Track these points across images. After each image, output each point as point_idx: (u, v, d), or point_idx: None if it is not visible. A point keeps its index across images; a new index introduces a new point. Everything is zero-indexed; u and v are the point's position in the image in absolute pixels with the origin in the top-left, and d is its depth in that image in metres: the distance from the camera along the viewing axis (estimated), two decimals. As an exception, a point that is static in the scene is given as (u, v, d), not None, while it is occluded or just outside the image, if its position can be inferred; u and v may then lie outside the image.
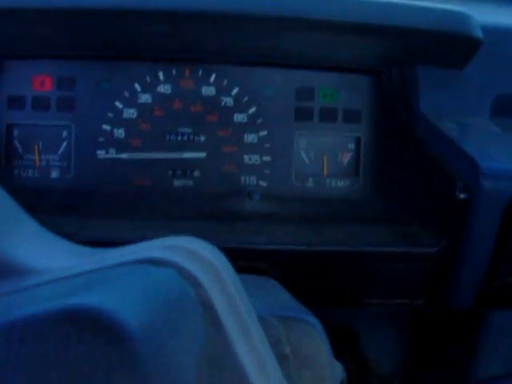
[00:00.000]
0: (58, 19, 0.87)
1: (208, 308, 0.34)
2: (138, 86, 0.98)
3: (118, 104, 0.98)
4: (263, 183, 1.00)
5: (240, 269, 0.80)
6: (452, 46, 0.89)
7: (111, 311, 0.27)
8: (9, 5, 0.83)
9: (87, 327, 0.27)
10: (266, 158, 1.00)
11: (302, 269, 0.85)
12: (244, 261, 0.84)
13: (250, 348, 0.36)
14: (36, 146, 0.99)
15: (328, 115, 1.01)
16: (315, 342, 0.52)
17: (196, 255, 0.37)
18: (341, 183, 1.01)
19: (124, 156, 0.98)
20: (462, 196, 0.80)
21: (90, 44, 0.96)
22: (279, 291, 0.66)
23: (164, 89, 0.99)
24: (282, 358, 0.47)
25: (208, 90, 0.99)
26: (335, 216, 0.96)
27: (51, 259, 0.37)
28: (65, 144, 0.99)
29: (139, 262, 0.35)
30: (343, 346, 1.09)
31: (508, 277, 0.87)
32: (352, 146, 1.02)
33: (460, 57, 0.91)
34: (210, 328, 0.34)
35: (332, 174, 1.02)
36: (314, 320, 0.54)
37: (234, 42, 0.94)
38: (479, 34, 0.86)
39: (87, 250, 0.41)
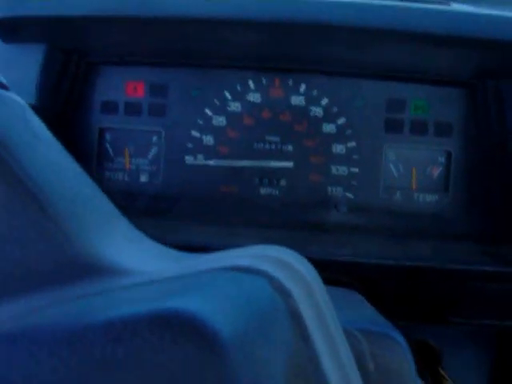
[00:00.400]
0: (152, 28, 0.89)
1: (297, 319, 0.34)
2: (227, 94, 0.99)
3: (207, 111, 0.99)
4: (350, 195, 0.99)
5: (324, 280, 0.80)
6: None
7: (205, 317, 0.27)
8: (107, 13, 0.85)
9: (182, 331, 0.27)
10: (354, 170, 0.99)
11: (386, 283, 0.84)
12: (329, 272, 0.83)
13: (337, 362, 0.35)
14: (127, 150, 1.01)
15: (418, 128, 0.99)
16: (399, 358, 0.51)
17: (286, 265, 0.37)
18: (429, 198, 0.99)
19: (212, 162, 0.99)
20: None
21: (182, 52, 0.98)
22: (364, 305, 0.65)
23: (254, 97, 1.00)
24: (364, 373, 0.47)
25: (297, 100, 0.99)
26: (423, 231, 0.94)
27: (145, 261, 0.38)
28: (155, 149, 1.01)
29: (231, 268, 0.35)
30: (426, 362, 1.07)
31: None
32: (442, 159, 1.00)
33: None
34: (298, 340, 0.33)
35: (421, 188, 0.99)
36: (398, 336, 0.53)
37: (324, 52, 0.94)
38: None
39: (179, 254, 0.41)
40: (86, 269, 0.34)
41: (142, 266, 0.36)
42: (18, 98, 0.39)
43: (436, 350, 1.11)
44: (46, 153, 0.38)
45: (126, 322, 0.28)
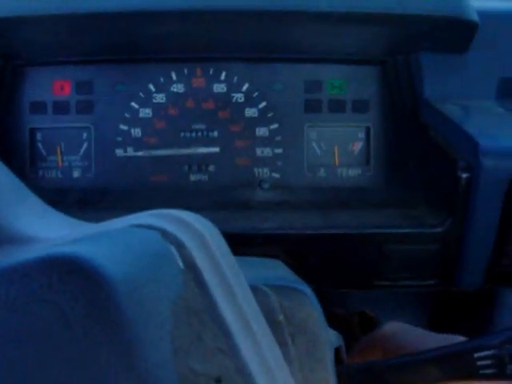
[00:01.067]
0: (72, 25, 0.92)
1: (190, 265, 0.37)
2: (152, 87, 1.03)
3: (133, 104, 1.02)
4: (276, 175, 1.03)
5: (253, 255, 0.83)
6: (450, 30, 0.91)
7: (91, 258, 0.30)
8: (25, 13, 0.88)
9: (68, 270, 0.30)
10: (278, 151, 1.03)
11: (311, 253, 0.88)
12: (256, 246, 0.87)
13: (234, 306, 0.38)
14: (58, 148, 1.03)
15: (337, 106, 1.04)
16: (308, 309, 0.54)
17: (183, 222, 0.40)
18: (352, 172, 1.04)
19: (141, 154, 1.02)
20: (464, 175, 0.82)
21: (105, 48, 1.01)
22: (280, 268, 0.68)
23: (177, 88, 1.03)
24: (275, 325, 0.50)
25: (219, 88, 1.03)
26: (345, 202, 0.98)
27: (52, 230, 0.40)
28: (85, 145, 1.03)
29: (127, 226, 0.38)
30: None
31: (516, 254, 0.88)
32: (362, 135, 1.04)
33: (460, 41, 0.93)
34: (191, 283, 0.36)
35: (343, 163, 1.04)
36: (307, 289, 0.57)
37: (240, 39, 0.98)
38: (475, 17, 0.88)
39: (89, 224, 0.44)
40: None
41: (48, 233, 0.39)
42: None
43: (374, 319, 1.16)
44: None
45: (17, 266, 0.31)
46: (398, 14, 0.87)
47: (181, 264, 0.37)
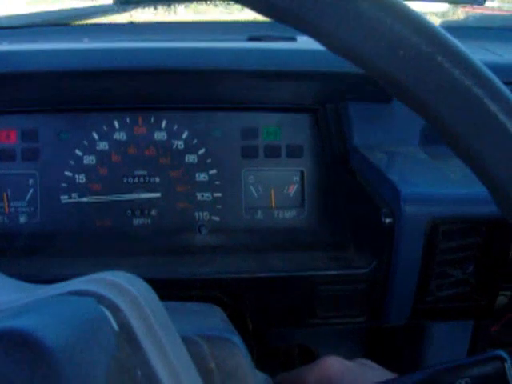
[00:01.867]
0: (18, 81, 0.96)
1: (124, 327, 0.41)
2: (95, 135, 1.07)
3: (78, 152, 1.06)
4: (216, 218, 1.08)
5: (194, 297, 0.88)
6: (374, 84, 0.98)
7: (31, 330, 0.35)
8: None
9: (13, 343, 0.34)
10: (217, 195, 1.08)
11: (248, 294, 0.93)
12: (197, 290, 0.92)
13: (165, 360, 0.42)
14: (5, 194, 1.06)
15: (272, 152, 1.10)
16: (238, 357, 0.59)
17: (116, 285, 0.44)
18: (288, 214, 1.10)
19: (85, 199, 1.06)
20: (387, 221, 0.88)
21: (49, 99, 1.05)
22: (214, 315, 0.73)
23: (120, 136, 1.07)
24: (207, 373, 0.55)
25: (160, 135, 1.08)
26: (280, 245, 1.04)
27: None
28: (31, 191, 1.07)
29: (66, 293, 0.43)
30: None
31: (439, 292, 0.95)
32: (297, 178, 1.10)
33: (384, 93, 1.00)
34: (125, 343, 0.41)
35: (279, 205, 1.10)
36: (236, 338, 0.61)
37: (179, 91, 1.03)
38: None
39: (31, 286, 0.48)
40: None
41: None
42: None
43: (313, 351, 1.21)
44: None
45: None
46: (324, 71, 0.93)
47: (115, 326, 0.41)
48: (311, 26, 0.36)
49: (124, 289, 0.44)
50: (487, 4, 1.51)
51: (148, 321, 0.43)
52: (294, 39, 1.09)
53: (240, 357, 0.60)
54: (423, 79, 0.35)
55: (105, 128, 1.07)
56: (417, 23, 0.34)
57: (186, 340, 0.47)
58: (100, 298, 0.42)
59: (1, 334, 0.35)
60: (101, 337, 0.39)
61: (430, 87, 0.34)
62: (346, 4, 0.34)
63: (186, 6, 1.27)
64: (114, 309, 0.41)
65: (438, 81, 0.34)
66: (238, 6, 1.28)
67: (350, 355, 1.21)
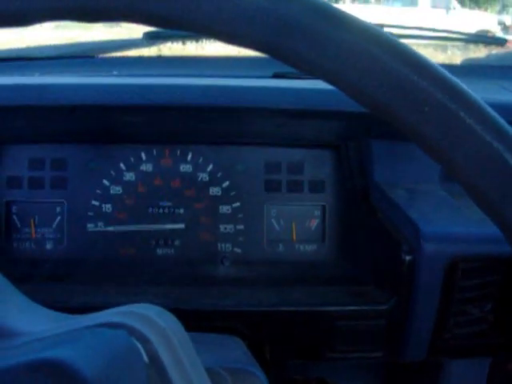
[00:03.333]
0: (50, 113, 1.00)
1: (154, 359, 0.43)
2: (122, 166, 1.10)
3: (105, 182, 1.09)
4: (238, 249, 1.10)
5: (214, 328, 0.90)
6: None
7: (69, 362, 0.37)
8: (9, 103, 0.95)
9: (53, 373, 0.36)
10: (240, 227, 1.11)
11: (268, 327, 0.95)
12: (217, 322, 0.94)
13: None
14: (32, 221, 1.09)
15: (295, 186, 1.12)
16: (259, 390, 0.61)
17: (145, 318, 0.46)
18: (309, 247, 1.11)
19: (111, 228, 1.09)
20: (407, 258, 0.90)
21: (80, 131, 1.08)
22: (236, 347, 0.75)
23: (146, 167, 1.10)
24: (230, 404, 0.57)
25: (185, 168, 1.11)
26: (301, 278, 1.05)
27: (33, 323, 0.47)
28: (58, 218, 1.09)
29: (98, 325, 0.45)
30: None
31: (457, 329, 0.96)
32: (318, 213, 1.12)
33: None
34: (155, 375, 0.42)
35: (301, 239, 1.12)
36: (257, 371, 0.63)
37: (205, 127, 1.06)
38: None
39: (62, 316, 0.50)
40: None
41: (30, 327, 0.46)
42: None
43: (329, 385, 1.22)
44: None
45: (9, 368, 0.37)
46: (348, 110, 0.96)
47: (146, 359, 0.43)
48: (341, 82, 0.38)
49: (153, 321, 0.46)
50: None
51: (176, 353, 0.45)
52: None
53: (262, 390, 0.62)
54: (446, 133, 0.37)
55: (132, 159, 1.10)
56: (441, 81, 0.36)
57: (210, 372, 0.48)
58: (131, 330, 0.44)
59: (40, 363, 0.37)
60: (133, 369, 0.41)
61: (452, 140, 0.36)
62: (373, 62, 0.36)
63: (213, 41, 1.30)
64: (144, 341, 0.43)
65: (459, 134, 0.36)
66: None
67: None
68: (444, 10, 10.48)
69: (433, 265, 0.89)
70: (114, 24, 1.18)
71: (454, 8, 11.12)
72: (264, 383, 0.63)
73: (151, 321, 0.47)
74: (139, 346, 0.43)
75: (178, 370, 0.44)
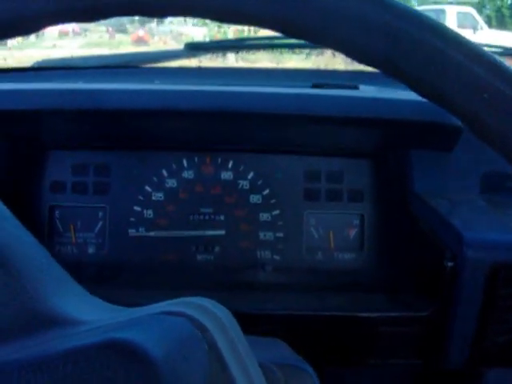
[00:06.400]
0: (95, 118, 1.02)
1: (213, 348, 0.44)
2: (164, 172, 1.12)
3: (147, 188, 1.11)
4: (277, 257, 1.11)
5: (252, 333, 0.90)
6: (437, 133, 1.01)
7: (138, 343, 0.38)
8: (54, 107, 0.98)
9: (124, 353, 0.37)
10: (279, 235, 1.12)
11: (308, 332, 0.95)
12: (257, 326, 0.95)
13: (249, 383, 0.45)
14: (74, 225, 1.11)
15: (334, 195, 1.13)
16: (310, 385, 0.62)
17: (204, 308, 0.47)
18: (347, 256, 1.12)
19: (152, 234, 1.10)
20: (449, 264, 0.90)
21: (123, 137, 1.10)
22: (282, 347, 0.75)
23: (188, 174, 1.12)
24: (281, 400, 0.57)
25: (226, 175, 1.12)
26: (340, 285, 1.06)
27: (93, 313, 0.48)
28: (100, 223, 1.11)
29: (159, 313, 0.46)
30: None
31: (497, 337, 0.95)
32: (357, 222, 1.13)
33: (446, 142, 1.03)
34: (216, 365, 0.43)
35: (339, 247, 1.12)
36: (309, 369, 0.64)
37: (248, 134, 1.08)
38: (458, 122, 0.97)
39: (120, 308, 0.51)
40: (45, 320, 0.44)
41: (91, 316, 0.47)
42: None
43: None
44: (10, 230, 0.48)
45: (80, 349, 0.38)
46: (387, 118, 0.97)
47: (206, 346, 0.44)
48: (405, 74, 0.39)
49: (210, 312, 0.47)
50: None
51: (233, 343, 0.46)
52: (356, 87, 1.12)
53: (313, 386, 0.63)
54: (505, 119, 0.38)
55: (174, 166, 1.12)
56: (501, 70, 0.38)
57: (261, 366, 0.49)
58: (191, 319, 0.45)
59: (110, 343, 0.38)
60: (195, 355, 0.42)
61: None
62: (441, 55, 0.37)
63: (253, 53, 1.32)
64: (203, 330, 0.44)
65: None
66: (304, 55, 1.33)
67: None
68: (471, 30, 10.45)
69: (474, 272, 0.89)
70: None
71: (482, 28, 11.11)
72: (314, 379, 0.64)
73: (209, 311, 0.48)
74: (199, 333, 0.44)
75: (235, 359, 0.45)
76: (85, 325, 0.45)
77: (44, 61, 1.46)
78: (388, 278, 1.07)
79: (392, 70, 0.38)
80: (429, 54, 0.37)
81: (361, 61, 0.39)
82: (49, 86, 1.03)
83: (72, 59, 1.44)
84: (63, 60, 1.46)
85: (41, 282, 0.46)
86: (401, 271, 1.06)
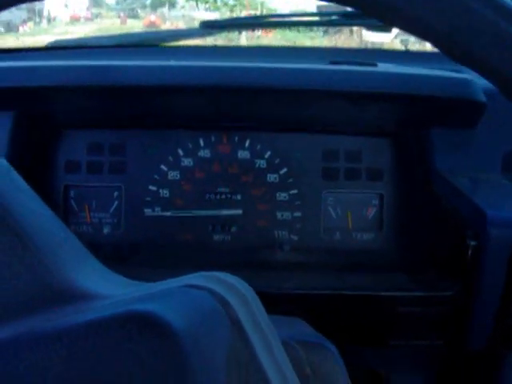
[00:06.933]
0: (110, 95, 1.00)
1: (235, 322, 0.42)
2: (180, 151, 1.10)
3: (163, 167, 1.10)
4: (294, 237, 1.09)
5: (271, 312, 0.89)
6: (459, 110, 0.99)
7: (161, 314, 0.37)
8: (69, 84, 0.96)
9: (145, 324, 0.36)
10: (297, 214, 1.10)
11: (328, 312, 0.94)
12: (275, 305, 0.93)
13: (272, 359, 0.44)
14: (89, 205, 1.10)
15: (353, 174, 1.11)
16: (333, 364, 0.60)
17: (226, 283, 0.46)
18: (366, 236, 1.10)
19: (168, 214, 1.09)
20: (472, 243, 0.88)
21: (138, 115, 1.09)
22: (303, 326, 0.74)
23: (204, 153, 1.10)
24: (303, 378, 0.56)
25: (243, 154, 1.10)
26: (359, 265, 1.04)
27: (112, 287, 0.47)
28: (116, 203, 1.10)
29: (181, 286, 0.44)
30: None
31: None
32: (376, 201, 1.11)
33: (469, 118, 1.01)
34: (237, 338, 0.42)
35: (357, 227, 1.10)
36: (331, 346, 0.63)
37: (265, 111, 1.05)
38: (482, 97, 0.96)
39: (140, 283, 0.50)
40: (64, 295, 0.43)
41: (110, 290, 0.46)
42: (2, 160, 0.48)
43: (382, 376, 1.20)
44: (27, 203, 0.47)
45: (101, 321, 0.37)
46: (407, 94, 0.94)
47: (228, 321, 0.42)
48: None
49: (233, 287, 0.46)
50: None
51: (255, 319, 0.45)
52: (375, 65, 1.10)
53: (335, 364, 0.61)
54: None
55: (190, 145, 1.10)
56: None
57: (283, 344, 0.48)
58: (213, 293, 0.44)
59: (132, 315, 0.37)
60: (217, 328, 0.41)
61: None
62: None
63: (268, 32, 1.30)
64: (226, 304, 0.43)
65: None
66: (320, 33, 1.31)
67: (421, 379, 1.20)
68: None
69: (498, 250, 0.87)
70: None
71: None
72: (336, 356, 0.62)
73: (231, 286, 0.46)
74: (221, 307, 0.43)
75: (257, 334, 0.44)
76: (105, 299, 0.44)
77: (57, 41, 1.44)
78: (408, 258, 1.05)
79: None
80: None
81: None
82: (64, 63, 1.01)
83: (85, 39, 1.42)
84: (77, 40, 1.44)
85: (59, 256, 0.45)
86: (421, 251, 1.04)
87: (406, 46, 1.63)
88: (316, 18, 1.25)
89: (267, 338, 0.45)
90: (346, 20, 1.25)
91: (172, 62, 1.11)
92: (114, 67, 0.99)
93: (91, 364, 0.36)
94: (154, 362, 0.36)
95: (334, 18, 1.27)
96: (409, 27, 0.39)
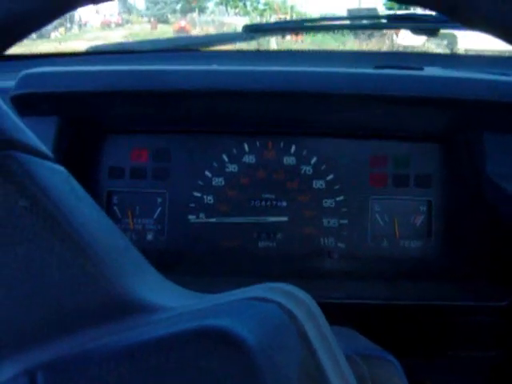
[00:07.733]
0: (154, 100, 0.99)
1: (302, 336, 0.41)
2: (225, 157, 1.09)
3: (207, 173, 1.09)
4: (341, 244, 1.07)
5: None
6: (509, 113, 0.96)
7: (235, 331, 0.35)
8: (114, 89, 0.95)
9: (219, 341, 0.35)
10: (344, 221, 1.08)
11: (379, 322, 0.92)
12: (325, 315, 0.91)
13: (339, 373, 0.42)
14: (133, 211, 1.09)
15: (400, 181, 1.09)
16: (396, 378, 0.59)
17: (291, 295, 0.45)
18: (414, 244, 1.08)
19: (213, 220, 1.08)
20: (526, 251, 0.86)
21: (183, 120, 1.08)
22: (359, 337, 0.72)
23: (249, 159, 1.09)
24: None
25: (289, 160, 1.09)
26: (409, 274, 1.02)
27: (174, 299, 0.45)
28: (159, 209, 1.09)
29: (248, 299, 0.43)
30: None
31: None
32: (424, 208, 1.09)
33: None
34: (306, 352, 0.41)
35: (405, 235, 1.08)
36: (393, 359, 0.61)
37: (311, 116, 1.04)
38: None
39: (202, 294, 0.49)
40: (126, 307, 0.41)
41: (173, 302, 0.44)
42: (62, 168, 0.47)
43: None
44: (87, 212, 0.46)
45: (173, 336, 0.36)
46: (454, 97, 0.92)
47: (296, 335, 0.41)
48: None
49: (299, 299, 0.45)
50: None
51: (321, 331, 0.43)
52: (421, 69, 1.08)
53: (398, 378, 0.59)
54: None
55: (234, 151, 1.09)
56: None
57: (345, 358, 0.46)
58: (281, 306, 0.42)
59: (206, 330, 0.36)
60: (289, 342, 0.39)
61: None
62: None
63: (313, 35, 1.28)
64: (293, 317, 0.42)
65: None
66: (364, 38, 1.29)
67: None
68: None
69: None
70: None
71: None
72: (399, 369, 0.60)
73: (297, 298, 0.45)
74: (289, 320, 0.42)
75: (324, 347, 0.42)
76: (168, 311, 0.42)
77: (98, 46, 1.44)
78: (458, 267, 1.03)
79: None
80: None
81: None
82: (108, 68, 1.01)
83: (126, 43, 1.42)
84: (118, 44, 1.44)
85: (121, 267, 0.44)
86: (471, 259, 1.01)
87: (451, 50, 1.61)
88: (362, 22, 1.23)
89: (333, 351, 0.44)
90: (390, 23, 1.23)
91: (215, 67, 1.10)
92: (158, 72, 0.98)
93: (164, 380, 0.35)
94: (228, 378, 0.35)
95: (376, 21, 1.25)
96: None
